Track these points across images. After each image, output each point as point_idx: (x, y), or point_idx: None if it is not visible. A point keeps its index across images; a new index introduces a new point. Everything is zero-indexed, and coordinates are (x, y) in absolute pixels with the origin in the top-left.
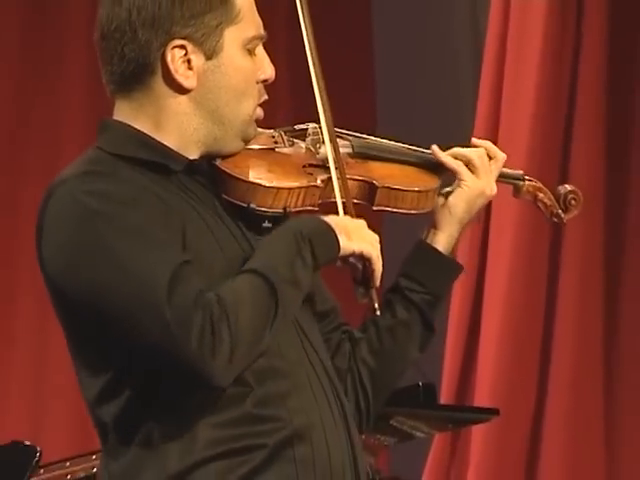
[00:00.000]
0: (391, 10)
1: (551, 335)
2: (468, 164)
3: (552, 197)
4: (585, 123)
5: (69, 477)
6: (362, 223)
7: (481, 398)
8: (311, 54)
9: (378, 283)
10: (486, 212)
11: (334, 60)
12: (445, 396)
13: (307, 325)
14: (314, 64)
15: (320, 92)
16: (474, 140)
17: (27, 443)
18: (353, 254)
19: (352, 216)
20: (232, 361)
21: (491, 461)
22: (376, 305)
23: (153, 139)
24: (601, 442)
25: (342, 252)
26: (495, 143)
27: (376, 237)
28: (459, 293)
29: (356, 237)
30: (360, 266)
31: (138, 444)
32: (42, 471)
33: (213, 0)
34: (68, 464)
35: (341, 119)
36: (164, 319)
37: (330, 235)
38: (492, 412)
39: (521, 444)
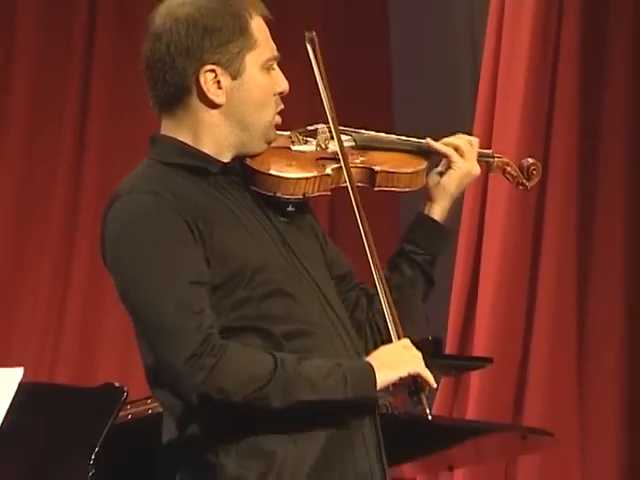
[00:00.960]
0: (406, 20)
1: (534, 298)
2: (457, 149)
3: (517, 169)
4: (562, 120)
5: (150, 411)
6: (404, 343)
7: (478, 351)
8: (317, 64)
9: (427, 391)
10: (482, 201)
11: (352, 65)
12: (449, 348)
13: (328, 291)
14: (321, 75)
15: (327, 99)
16: (429, 141)
17: (116, 384)
18: (400, 379)
19: (399, 336)
20: (203, 387)
21: (486, 398)
22: (427, 410)
23: (193, 147)
24: (574, 380)
25: (384, 383)
26: (491, 135)
27: (418, 354)
28: (461, 266)
29: (398, 363)
30: (411, 382)
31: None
32: (129, 406)
33: (234, 32)
34: (149, 401)
35: (360, 119)
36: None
37: (366, 372)
38: (487, 360)
39: (510, 384)
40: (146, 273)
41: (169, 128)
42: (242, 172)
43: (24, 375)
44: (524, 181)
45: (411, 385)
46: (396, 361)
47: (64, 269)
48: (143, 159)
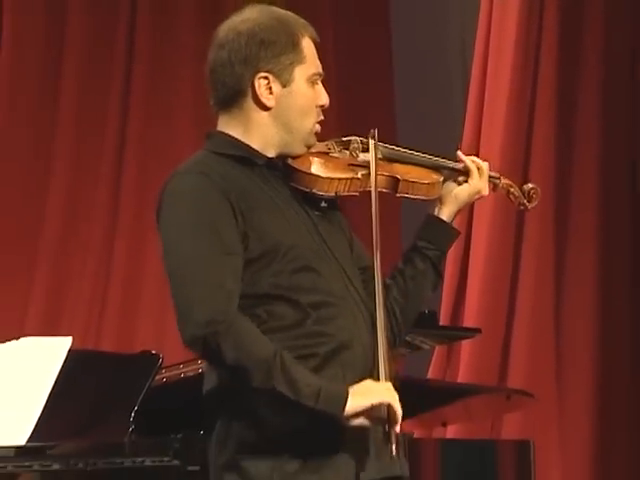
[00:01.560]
0: (408, 37)
1: (517, 279)
2: (479, 169)
3: (519, 191)
4: (542, 135)
5: (182, 375)
6: (387, 385)
7: (468, 323)
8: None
9: (397, 426)
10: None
11: (356, 80)
12: (443, 320)
13: (352, 274)
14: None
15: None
16: (459, 154)
17: (153, 352)
18: (371, 405)
19: (386, 377)
20: (205, 339)
21: (475, 365)
22: (393, 447)
23: (242, 142)
24: (552, 349)
25: (356, 408)
26: (478, 148)
27: (395, 393)
28: (452, 255)
29: (372, 393)
30: (384, 415)
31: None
32: (164, 371)
33: (287, 46)
34: (182, 366)
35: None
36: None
37: (340, 394)
38: (476, 331)
39: (496, 353)
40: (186, 237)
41: (224, 125)
42: (283, 169)
43: (72, 343)
44: (525, 202)
45: (384, 420)
46: (372, 392)
47: (108, 253)
48: (179, 158)
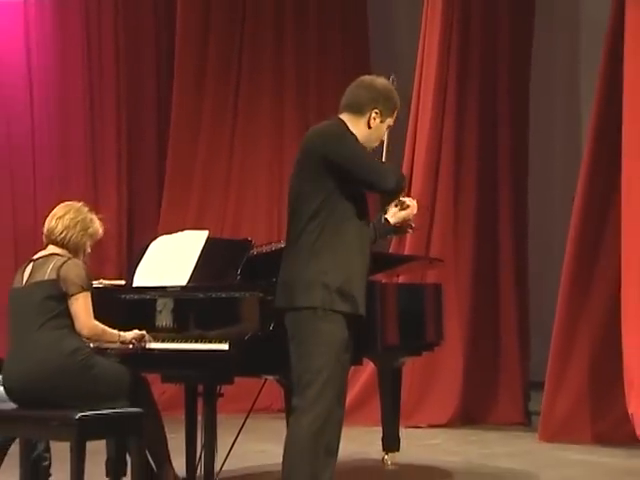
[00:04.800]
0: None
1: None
2: (409, 206)
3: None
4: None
5: (274, 247)
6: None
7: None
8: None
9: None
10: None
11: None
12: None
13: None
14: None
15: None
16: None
17: (249, 238)
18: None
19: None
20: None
21: (413, 247)
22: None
23: (353, 133)
24: (451, 241)
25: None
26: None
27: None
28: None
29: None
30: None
31: None
32: (253, 251)
33: (391, 107)
34: (263, 246)
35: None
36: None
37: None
38: (440, 260)
39: (423, 242)
40: (358, 149)
41: (346, 119)
42: None
43: (209, 233)
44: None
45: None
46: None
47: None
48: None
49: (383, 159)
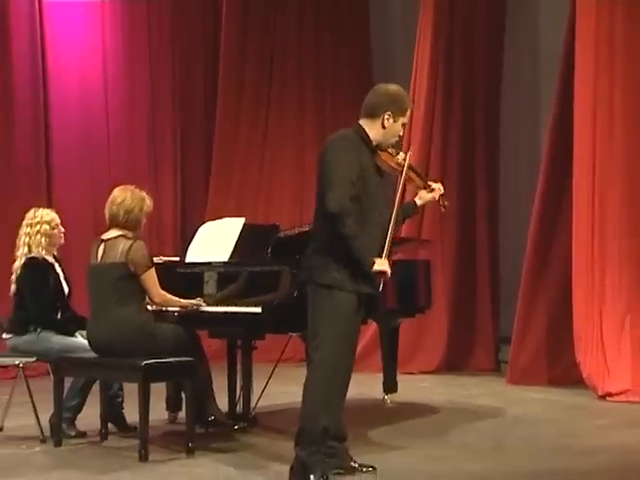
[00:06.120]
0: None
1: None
2: (435, 189)
3: (443, 200)
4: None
5: (297, 230)
6: (384, 261)
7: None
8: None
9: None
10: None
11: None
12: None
13: (386, 202)
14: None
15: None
16: (429, 182)
17: (277, 223)
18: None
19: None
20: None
21: (408, 230)
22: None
23: (367, 134)
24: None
25: (374, 269)
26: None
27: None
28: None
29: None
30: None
31: None
32: (280, 234)
33: (402, 108)
34: (288, 229)
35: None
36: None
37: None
38: (429, 241)
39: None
40: (336, 163)
41: (364, 123)
42: (375, 149)
43: (245, 220)
44: (444, 204)
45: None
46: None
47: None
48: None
49: (399, 185)
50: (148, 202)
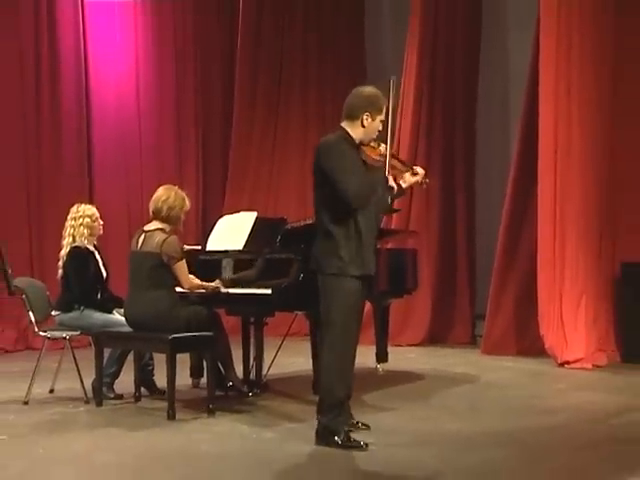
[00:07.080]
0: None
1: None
2: (418, 173)
3: (424, 181)
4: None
5: (302, 223)
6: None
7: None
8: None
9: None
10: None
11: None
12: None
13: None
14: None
15: (392, 126)
16: (414, 167)
17: (284, 217)
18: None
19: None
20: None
21: (398, 222)
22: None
23: (351, 136)
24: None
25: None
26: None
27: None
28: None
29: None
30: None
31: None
32: (287, 226)
33: (378, 107)
34: (294, 222)
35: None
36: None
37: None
38: (416, 232)
39: (404, 220)
40: (339, 161)
41: (345, 125)
42: (358, 147)
43: (258, 214)
44: (426, 181)
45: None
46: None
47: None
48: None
49: (386, 173)
50: (187, 202)
